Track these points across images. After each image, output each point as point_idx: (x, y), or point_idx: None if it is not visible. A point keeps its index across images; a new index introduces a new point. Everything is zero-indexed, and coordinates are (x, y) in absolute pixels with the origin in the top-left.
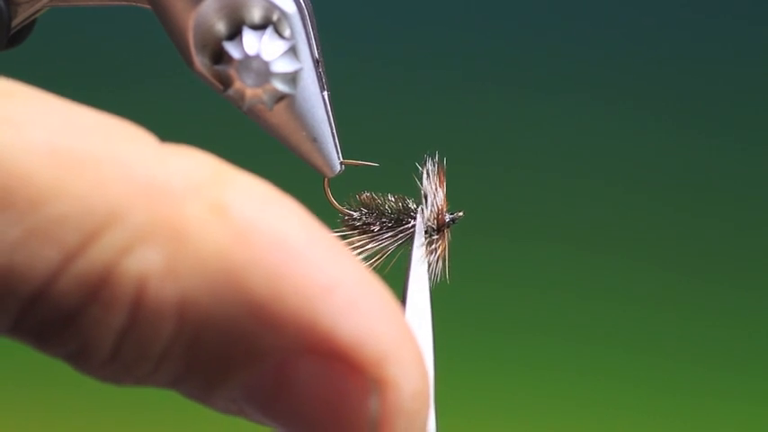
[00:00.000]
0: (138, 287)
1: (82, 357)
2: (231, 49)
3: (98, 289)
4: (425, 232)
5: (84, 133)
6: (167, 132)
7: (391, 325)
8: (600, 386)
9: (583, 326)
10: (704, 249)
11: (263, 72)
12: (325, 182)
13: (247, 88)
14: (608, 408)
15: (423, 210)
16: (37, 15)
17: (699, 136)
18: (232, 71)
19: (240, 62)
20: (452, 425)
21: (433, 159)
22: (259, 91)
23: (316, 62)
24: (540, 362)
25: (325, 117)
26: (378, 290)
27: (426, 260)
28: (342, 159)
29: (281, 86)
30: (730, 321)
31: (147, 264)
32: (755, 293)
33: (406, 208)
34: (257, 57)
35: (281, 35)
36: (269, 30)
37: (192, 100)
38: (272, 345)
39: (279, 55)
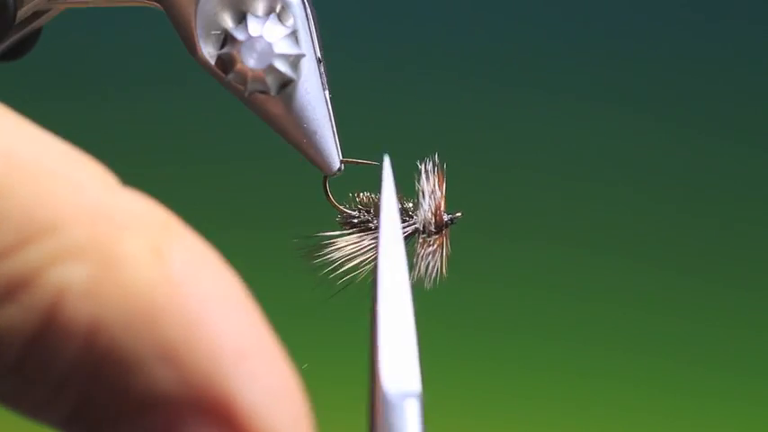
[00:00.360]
0: (56, 297)
1: None
2: (235, 32)
3: (18, 290)
4: (423, 232)
5: (44, 150)
6: (169, 133)
7: (293, 407)
8: (601, 387)
9: (583, 326)
10: (706, 250)
11: (266, 52)
12: (325, 180)
13: (249, 71)
14: (609, 408)
15: (405, 206)
16: (41, 24)
17: (700, 136)
18: (235, 52)
19: (243, 43)
20: (452, 425)
21: (432, 159)
22: (261, 74)
23: (318, 61)
24: (540, 363)
25: (327, 113)
26: (287, 371)
27: (403, 254)
28: (342, 158)
29: (283, 68)
30: (731, 322)
31: (71, 277)
32: (756, 294)
33: (405, 208)
34: (260, 37)
35: (283, 25)
36: (272, 16)
37: (193, 100)
38: (168, 394)
39: (282, 36)
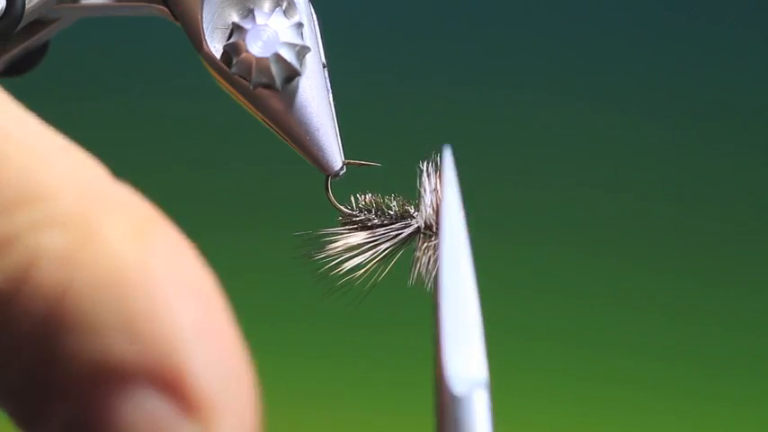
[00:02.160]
0: (31, 258)
1: None
2: (241, 22)
3: None
4: (424, 234)
5: (38, 132)
6: (173, 137)
7: (240, 390)
8: (604, 389)
9: (584, 328)
10: (708, 252)
11: (272, 40)
12: (327, 181)
13: (254, 60)
14: (612, 410)
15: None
16: (47, 38)
17: (702, 138)
18: (240, 41)
19: (249, 30)
20: None
21: (434, 159)
22: (266, 63)
23: (322, 65)
24: (541, 363)
25: (330, 112)
26: (241, 359)
27: (467, 248)
28: (344, 160)
29: (288, 56)
30: (734, 323)
31: (48, 243)
32: (757, 295)
33: (407, 211)
34: (266, 26)
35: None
36: (278, 9)
37: (193, 103)
38: (119, 361)
39: (288, 26)
